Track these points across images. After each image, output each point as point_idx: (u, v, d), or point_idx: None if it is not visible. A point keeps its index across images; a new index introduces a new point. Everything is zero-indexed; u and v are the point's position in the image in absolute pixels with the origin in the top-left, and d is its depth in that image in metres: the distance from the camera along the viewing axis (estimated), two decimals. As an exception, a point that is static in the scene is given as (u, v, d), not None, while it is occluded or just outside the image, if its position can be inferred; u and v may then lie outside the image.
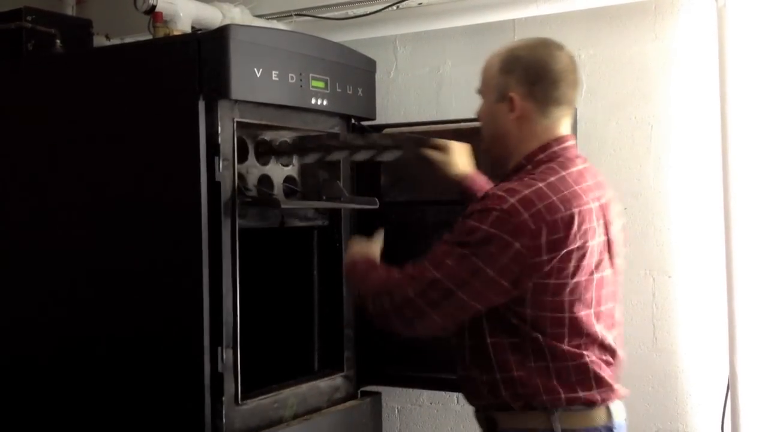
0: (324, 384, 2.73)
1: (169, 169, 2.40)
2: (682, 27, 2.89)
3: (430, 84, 3.33)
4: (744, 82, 2.67)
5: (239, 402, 2.38)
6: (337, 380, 2.78)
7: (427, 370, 2.85)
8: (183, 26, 2.77)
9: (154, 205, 2.43)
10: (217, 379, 2.33)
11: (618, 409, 1.85)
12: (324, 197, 2.75)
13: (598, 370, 1.82)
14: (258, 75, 2.40)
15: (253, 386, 2.48)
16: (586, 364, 1.80)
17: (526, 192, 1.73)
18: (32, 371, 2.70)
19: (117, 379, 2.50)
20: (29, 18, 2.80)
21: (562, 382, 1.79)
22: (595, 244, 1.79)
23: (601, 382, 1.82)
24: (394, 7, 3.19)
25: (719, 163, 2.72)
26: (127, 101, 2.49)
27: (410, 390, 3.31)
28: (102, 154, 2.54)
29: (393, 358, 2.89)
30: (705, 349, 2.87)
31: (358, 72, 2.84)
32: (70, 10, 3.57)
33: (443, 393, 3.22)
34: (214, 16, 2.97)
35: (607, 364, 1.85)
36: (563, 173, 1.80)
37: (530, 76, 1.84)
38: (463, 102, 3.24)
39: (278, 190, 2.71)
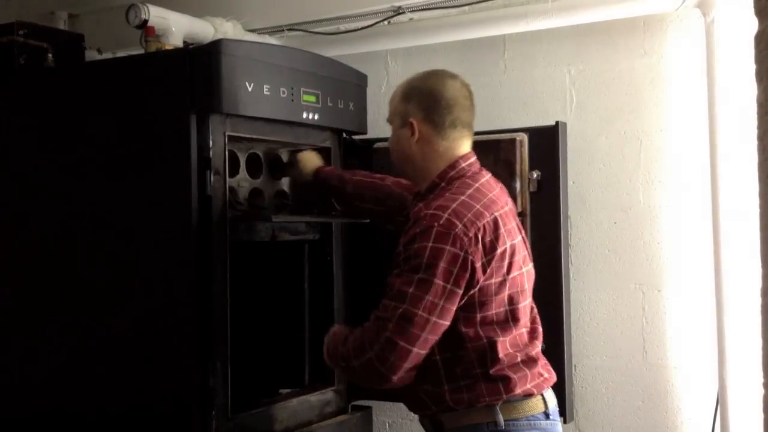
0: (315, 398, 2.72)
1: (160, 183, 2.40)
2: (671, 43, 2.91)
3: (421, 98, 3.34)
4: (732, 97, 2.69)
5: (230, 416, 2.38)
6: (327, 394, 2.77)
7: (418, 384, 2.84)
8: (175, 41, 2.78)
9: (145, 219, 2.43)
10: (208, 393, 2.32)
11: (551, 396, 2.02)
12: (315, 211, 2.76)
13: (532, 363, 1.98)
14: (249, 89, 2.41)
15: (243, 400, 2.47)
16: (522, 363, 1.96)
17: (454, 205, 1.91)
18: (24, 385, 2.68)
19: (107, 392, 2.50)
20: (21, 32, 2.80)
21: (503, 382, 1.93)
22: (517, 242, 2.00)
23: (535, 375, 1.97)
24: (386, 23, 3.21)
25: (708, 178, 2.73)
26: (119, 115, 2.49)
27: (401, 404, 3.30)
28: (93, 167, 2.54)
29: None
30: (695, 363, 2.88)
31: (350, 86, 2.85)
32: (62, 24, 3.58)
33: (434, 407, 3.22)
34: (206, 31, 2.99)
35: (536, 355, 2.02)
36: (476, 185, 2.00)
37: (425, 102, 2.05)
38: (453, 116, 3.26)
39: (269, 203, 2.71)
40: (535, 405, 1.97)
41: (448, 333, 1.89)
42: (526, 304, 2.03)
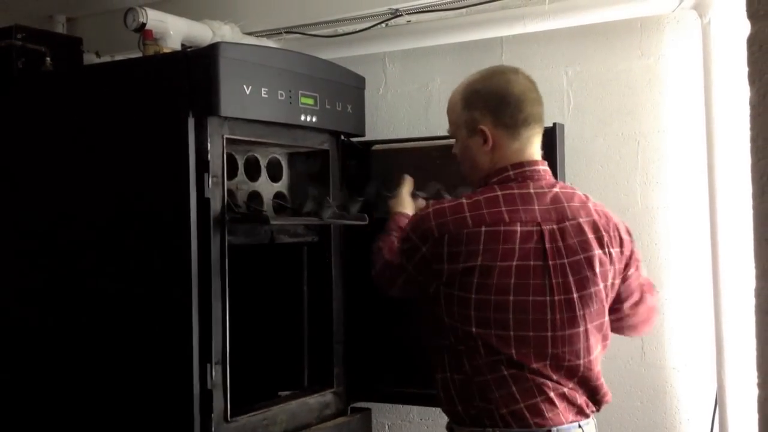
0: (314, 400, 2.72)
1: (158, 186, 2.41)
2: (668, 44, 2.92)
3: (419, 101, 3.35)
4: (729, 97, 2.69)
5: (228, 419, 2.38)
6: (327, 396, 2.78)
7: (417, 386, 2.84)
8: (173, 44, 2.79)
9: (144, 221, 2.43)
10: (207, 395, 2.33)
11: None
12: (313, 213, 2.76)
13: (519, 393, 1.82)
14: (247, 92, 2.42)
15: (242, 403, 2.48)
16: (504, 379, 1.81)
17: (446, 204, 1.87)
18: (24, 389, 2.69)
19: (106, 396, 2.50)
20: (19, 36, 2.80)
21: (498, 395, 1.81)
22: (515, 265, 1.79)
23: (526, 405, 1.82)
24: (383, 25, 3.22)
25: (705, 178, 2.74)
26: (117, 118, 2.50)
27: (400, 406, 3.31)
28: (92, 170, 2.54)
29: (383, 374, 2.89)
30: (693, 364, 2.89)
31: (348, 89, 2.85)
32: (60, 28, 3.58)
33: (433, 409, 3.22)
34: (204, 34, 2.99)
35: (544, 387, 1.84)
36: (498, 193, 1.85)
37: (493, 105, 1.90)
38: (451, 118, 3.27)
39: (268, 206, 2.72)
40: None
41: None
42: (506, 335, 1.80)
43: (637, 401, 2.96)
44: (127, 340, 2.46)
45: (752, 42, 0.78)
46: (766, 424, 0.84)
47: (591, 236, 1.88)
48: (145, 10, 2.71)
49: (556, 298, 1.82)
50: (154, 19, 2.73)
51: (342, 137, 2.87)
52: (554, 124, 2.76)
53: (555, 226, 1.84)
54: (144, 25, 2.70)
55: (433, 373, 1.94)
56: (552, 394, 1.86)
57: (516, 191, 1.86)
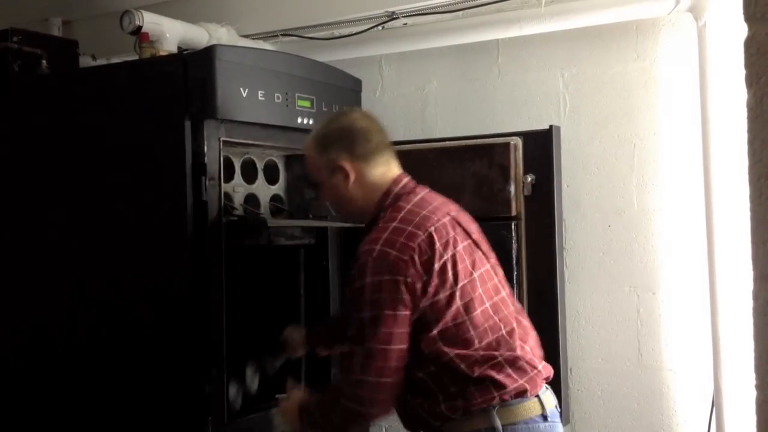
0: (311, 403, 2.72)
1: (155, 189, 2.41)
2: (664, 47, 2.93)
3: (415, 103, 3.36)
4: (725, 100, 2.70)
5: (226, 421, 2.38)
6: (323, 399, 2.77)
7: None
8: (169, 46, 2.78)
9: (141, 224, 2.43)
10: (204, 398, 2.33)
11: (548, 398, 2.00)
12: (310, 216, 2.76)
13: (517, 361, 1.95)
14: (244, 95, 2.42)
15: (240, 405, 2.47)
16: (505, 361, 1.94)
17: (385, 235, 1.93)
18: (22, 389, 2.68)
19: (105, 398, 2.49)
20: (15, 39, 2.80)
21: (491, 383, 1.92)
22: (461, 248, 1.98)
23: (523, 371, 1.95)
24: (380, 28, 3.22)
25: (701, 180, 2.74)
26: (113, 121, 2.50)
27: (397, 408, 3.31)
28: (88, 173, 2.54)
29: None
30: (690, 366, 2.89)
31: (344, 91, 2.85)
32: (56, 31, 3.58)
33: (430, 411, 3.22)
34: (200, 37, 2.99)
35: (522, 352, 1.97)
36: (408, 206, 2.00)
37: (344, 141, 2.06)
38: (447, 120, 3.27)
39: (265, 208, 2.72)
40: (532, 407, 1.95)
41: (418, 353, 1.91)
42: (487, 308, 1.98)
43: (634, 403, 2.96)
44: (125, 342, 2.46)
45: (749, 45, 0.78)
46: (765, 425, 0.84)
47: (463, 227, 2.05)
48: (141, 13, 2.71)
49: (488, 265, 2.05)
50: (150, 21, 2.73)
51: (338, 140, 2.86)
52: (550, 126, 2.76)
53: (453, 214, 2.05)
54: (140, 27, 2.70)
55: (423, 400, 1.96)
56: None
57: (416, 198, 2.03)
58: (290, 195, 2.83)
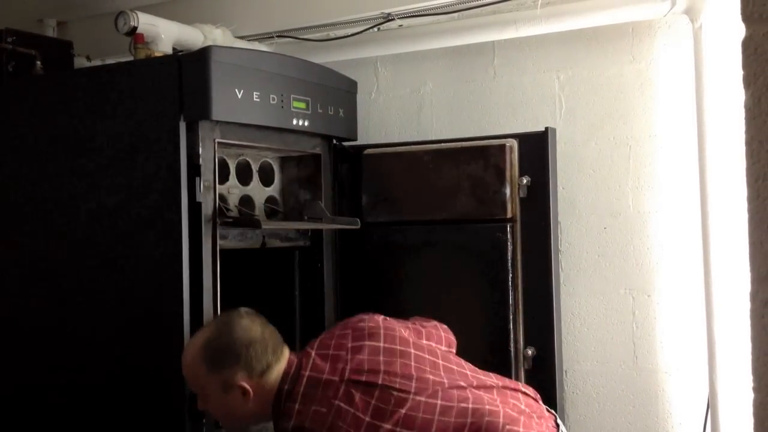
0: (306, 405, 2.71)
1: (149, 190, 2.40)
2: (659, 49, 2.93)
3: (410, 104, 3.35)
4: (721, 101, 2.70)
5: (219, 425, 2.37)
6: (318, 401, 2.76)
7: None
8: (164, 47, 2.78)
9: (135, 225, 2.42)
10: (198, 401, 2.32)
11: None
12: (306, 218, 2.76)
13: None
14: (239, 96, 2.41)
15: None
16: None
17: (300, 417, 1.85)
18: (16, 390, 2.67)
19: (98, 400, 2.48)
20: (9, 39, 2.79)
21: None
22: (370, 416, 1.82)
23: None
24: (375, 29, 3.21)
25: (697, 183, 2.74)
26: (108, 122, 2.49)
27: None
28: (82, 175, 2.53)
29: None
30: (685, 368, 2.89)
31: (340, 93, 2.85)
32: (51, 32, 3.56)
33: (425, 413, 3.22)
34: (195, 38, 2.98)
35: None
36: (294, 416, 1.87)
37: (242, 358, 1.92)
38: (443, 122, 3.27)
39: (260, 210, 2.71)
40: None
41: None
42: (453, 398, 1.85)
43: (629, 405, 2.96)
44: (118, 344, 2.45)
45: (747, 45, 0.77)
46: (762, 427, 0.84)
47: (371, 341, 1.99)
48: (136, 14, 2.70)
49: (412, 392, 1.89)
50: (145, 22, 2.72)
51: (334, 141, 2.86)
52: (546, 128, 2.76)
53: (356, 344, 1.97)
54: (135, 28, 2.69)
55: None
56: None
57: (304, 381, 1.92)
58: (285, 197, 2.82)
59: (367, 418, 1.80)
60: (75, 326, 2.53)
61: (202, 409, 2.01)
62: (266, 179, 2.78)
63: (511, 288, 2.70)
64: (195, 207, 2.34)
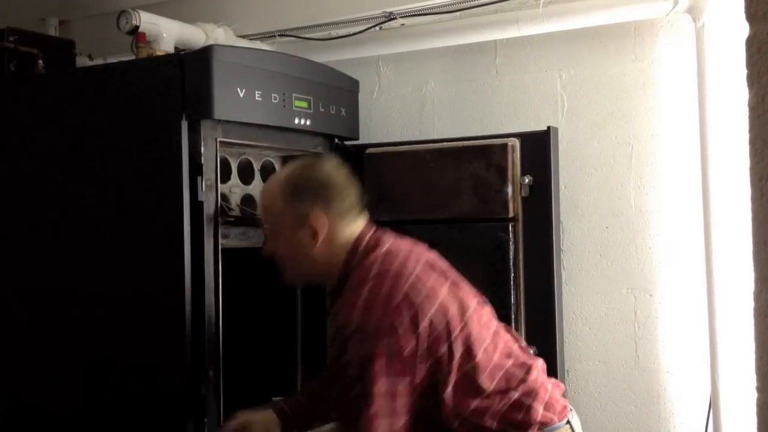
0: (307, 404, 2.71)
1: (151, 189, 2.40)
2: (662, 48, 2.92)
3: (412, 104, 3.35)
4: (723, 101, 2.70)
5: (222, 423, 2.36)
6: (320, 400, 2.76)
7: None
8: (166, 47, 2.78)
9: (137, 224, 2.42)
10: (199, 400, 2.32)
11: (577, 423, 1.91)
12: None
13: (530, 392, 1.85)
14: (241, 95, 2.41)
15: (235, 407, 2.46)
16: (519, 399, 1.84)
17: (360, 302, 1.76)
18: (16, 389, 2.67)
19: (99, 399, 2.48)
20: (11, 38, 2.79)
21: (517, 427, 1.82)
22: (444, 296, 1.83)
23: (540, 400, 1.85)
24: (377, 28, 3.21)
25: (699, 182, 2.74)
26: (110, 121, 2.49)
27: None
28: (85, 174, 2.53)
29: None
30: (687, 368, 2.89)
31: (342, 92, 2.85)
32: (53, 31, 3.56)
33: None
34: (197, 37, 2.98)
35: (531, 375, 1.88)
36: (376, 266, 1.84)
37: (323, 195, 1.89)
38: (445, 121, 3.27)
39: (261, 209, 2.71)
40: None
41: (438, 414, 1.79)
42: (487, 346, 1.85)
43: (631, 405, 2.96)
44: (120, 343, 2.45)
45: (750, 44, 0.77)
46: (765, 427, 0.84)
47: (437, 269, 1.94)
48: (138, 13, 2.70)
49: (467, 318, 1.87)
50: (147, 21, 2.72)
51: (336, 140, 2.86)
52: (548, 127, 2.76)
53: (416, 272, 1.86)
54: (137, 27, 2.69)
55: None
56: None
57: (382, 251, 1.88)
58: (287, 196, 2.82)
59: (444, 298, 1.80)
60: (77, 325, 2.54)
61: (268, 252, 1.97)
62: (268, 178, 2.77)
63: (512, 287, 2.70)
64: (197, 206, 2.34)
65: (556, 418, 1.85)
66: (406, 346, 1.72)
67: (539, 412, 1.84)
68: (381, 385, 1.69)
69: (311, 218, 1.86)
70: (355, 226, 1.92)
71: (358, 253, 1.88)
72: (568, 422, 1.88)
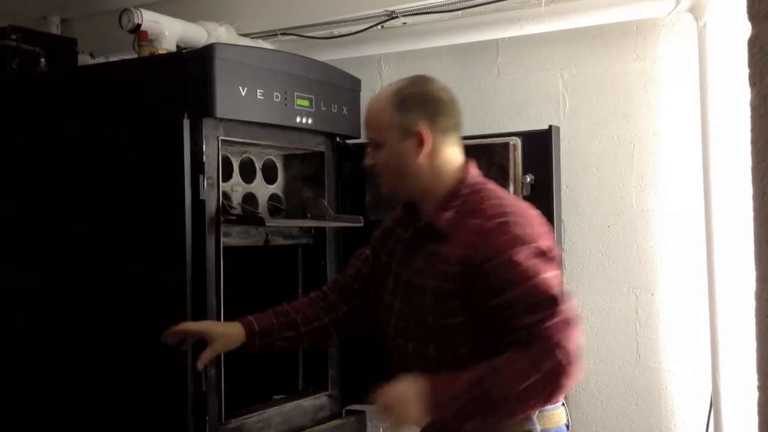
0: (308, 403, 2.72)
1: (153, 187, 2.40)
2: (663, 47, 2.92)
3: (414, 103, 3.34)
4: (725, 100, 2.70)
5: (223, 421, 2.37)
6: (321, 399, 2.77)
7: (411, 389, 2.84)
8: (168, 45, 2.78)
9: (138, 223, 2.42)
10: (201, 398, 2.32)
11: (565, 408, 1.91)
12: (309, 215, 2.76)
13: None
14: (243, 93, 2.41)
15: (237, 405, 2.47)
16: None
17: (515, 229, 1.76)
18: (17, 388, 2.68)
19: (100, 397, 2.49)
20: (14, 37, 2.79)
21: None
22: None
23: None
24: (379, 27, 3.21)
25: (701, 181, 2.74)
26: (112, 120, 2.49)
27: (395, 409, 3.30)
28: (87, 172, 2.54)
29: (377, 376, 2.88)
30: (688, 367, 2.89)
31: (343, 91, 2.85)
32: (55, 29, 3.57)
33: (428, 411, 3.22)
34: (199, 35, 2.98)
35: None
36: (502, 195, 1.89)
37: (430, 108, 1.88)
38: (447, 121, 3.26)
39: (263, 208, 2.71)
40: (561, 416, 1.85)
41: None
42: None
43: (632, 404, 2.96)
44: (122, 341, 2.45)
45: (753, 43, 0.77)
46: (766, 426, 0.84)
47: None
48: (140, 11, 2.70)
49: None
50: (149, 20, 2.72)
51: (337, 139, 2.86)
52: (550, 126, 2.76)
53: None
54: (139, 26, 2.69)
55: None
56: None
57: (497, 190, 1.91)
58: (288, 194, 2.82)
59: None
60: (77, 324, 2.54)
61: (369, 163, 1.95)
62: (269, 177, 2.78)
63: (514, 286, 2.69)
64: (198, 204, 2.34)
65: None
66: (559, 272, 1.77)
67: None
68: (561, 298, 1.70)
69: (417, 129, 1.86)
70: (455, 151, 1.91)
71: (469, 181, 1.88)
72: (563, 404, 1.88)
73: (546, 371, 1.65)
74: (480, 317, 1.76)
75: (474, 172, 1.91)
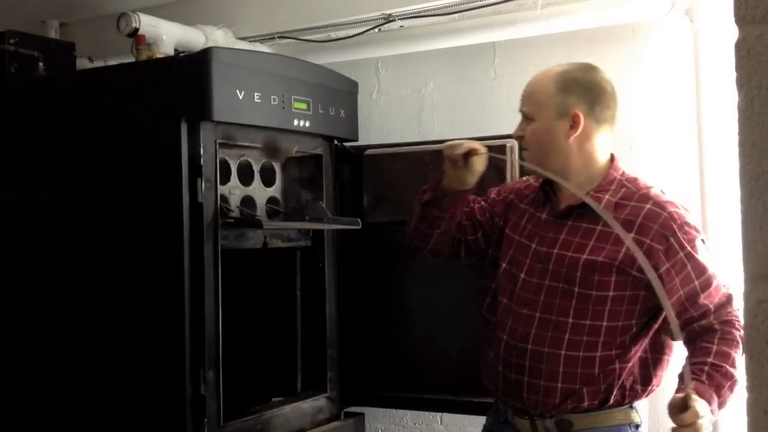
0: (307, 405, 2.72)
1: (151, 191, 2.41)
2: (660, 49, 2.93)
3: (411, 105, 3.36)
4: (720, 102, 2.71)
5: (222, 424, 2.38)
6: (320, 401, 2.77)
7: (410, 391, 2.85)
8: (166, 49, 2.79)
9: (136, 226, 2.43)
10: (199, 400, 2.33)
11: None
12: (307, 218, 2.76)
13: None
14: (240, 97, 2.42)
15: (235, 407, 2.47)
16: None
17: (676, 208, 1.97)
18: (15, 390, 2.68)
19: (98, 400, 2.49)
20: (12, 41, 2.80)
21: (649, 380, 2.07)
22: None
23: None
24: (376, 30, 3.22)
25: (697, 183, 2.75)
26: (110, 123, 2.50)
27: (394, 411, 3.31)
28: (84, 175, 2.54)
29: (376, 378, 2.89)
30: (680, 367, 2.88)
31: (341, 93, 2.86)
32: (53, 33, 3.58)
33: (427, 413, 3.22)
34: (197, 39, 2.99)
35: None
36: (659, 189, 2.03)
37: (591, 95, 1.97)
38: (444, 123, 3.28)
39: (261, 210, 2.72)
40: (635, 414, 2.05)
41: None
42: None
43: (629, 405, 2.96)
44: (120, 344, 2.46)
45: (740, 47, 0.78)
46: (756, 427, 0.85)
47: None
48: (138, 15, 2.71)
49: None
50: (147, 24, 2.73)
51: (335, 142, 2.87)
52: (546, 128, 2.76)
53: None
54: (137, 30, 2.70)
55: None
56: None
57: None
58: (286, 197, 2.83)
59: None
60: (76, 326, 2.54)
61: (517, 134, 2.05)
62: (267, 180, 2.78)
63: (511, 288, 2.70)
64: (196, 208, 2.35)
65: None
66: None
67: None
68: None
69: (574, 112, 1.94)
70: (606, 143, 2.00)
71: (622, 172, 2.01)
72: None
73: (738, 348, 1.86)
74: (632, 294, 1.90)
75: (620, 169, 2.02)
